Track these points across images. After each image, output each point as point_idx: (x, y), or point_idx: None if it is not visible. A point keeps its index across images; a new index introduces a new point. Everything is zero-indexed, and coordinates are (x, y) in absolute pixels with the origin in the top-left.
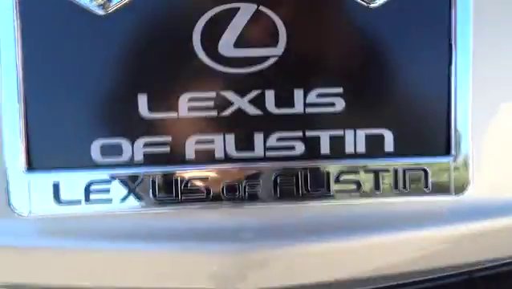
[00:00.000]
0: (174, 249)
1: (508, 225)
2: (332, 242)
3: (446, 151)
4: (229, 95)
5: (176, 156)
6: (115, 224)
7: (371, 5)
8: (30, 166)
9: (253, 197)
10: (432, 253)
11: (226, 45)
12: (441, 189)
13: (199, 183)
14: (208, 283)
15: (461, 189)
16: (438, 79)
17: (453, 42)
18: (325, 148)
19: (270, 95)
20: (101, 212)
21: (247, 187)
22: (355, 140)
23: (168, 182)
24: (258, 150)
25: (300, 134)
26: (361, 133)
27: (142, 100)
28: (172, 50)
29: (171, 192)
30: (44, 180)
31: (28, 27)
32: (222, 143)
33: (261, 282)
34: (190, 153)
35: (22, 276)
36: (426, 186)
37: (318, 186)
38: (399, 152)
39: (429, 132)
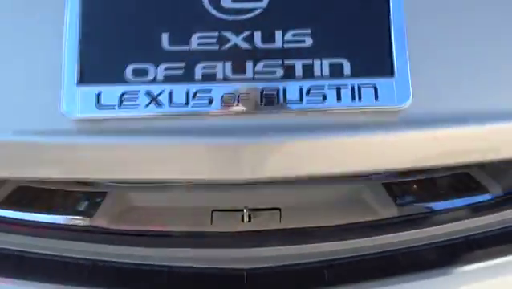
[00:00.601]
0: (184, 142)
1: (441, 135)
2: (304, 140)
3: (390, 72)
4: (228, 34)
5: (187, 77)
6: (140, 125)
7: None
8: (81, 80)
9: (244, 106)
10: (383, 152)
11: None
12: (388, 101)
13: (204, 95)
14: (205, 172)
15: (403, 101)
16: (381, 21)
17: None
18: (299, 72)
19: (257, 35)
20: (130, 114)
21: (240, 99)
22: (321, 66)
23: (181, 94)
24: (249, 73)
25: (280, 62)
26: (325, 62)
27: (165, 37)
28: (187, 3)
29: (182, 100)
30: (90, 90)
31: None
32: (222, 68)
33: (251, 171)
34: (198, 75)
35: (70, 171)
36: (376, 99)
37: (293, 98)
38: (355, 75)
39: (377, 59)
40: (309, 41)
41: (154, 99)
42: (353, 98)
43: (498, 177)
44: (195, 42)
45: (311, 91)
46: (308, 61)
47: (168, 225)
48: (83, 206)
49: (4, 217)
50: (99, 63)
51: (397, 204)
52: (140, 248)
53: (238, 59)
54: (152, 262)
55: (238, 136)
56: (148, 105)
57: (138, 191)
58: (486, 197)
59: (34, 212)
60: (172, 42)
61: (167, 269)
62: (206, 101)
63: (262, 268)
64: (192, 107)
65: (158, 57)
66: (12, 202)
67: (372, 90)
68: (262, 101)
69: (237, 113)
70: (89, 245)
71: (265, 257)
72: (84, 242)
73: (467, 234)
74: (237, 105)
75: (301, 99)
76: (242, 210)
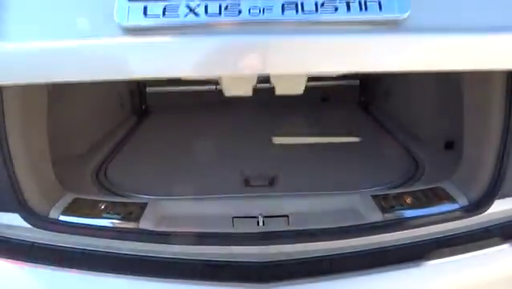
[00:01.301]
0: (215, 43)
1: (434, 41)
2: (318, 40)
3: None
4: None
5: None
6: (179, 30)
7: None
8: None
9: (268, 16)
10: (385, 54)
11: None
12: (390, 11)
13: (234, 7)
14: (234, 66)
15: (403, 12)
16: None
17: None
18: None
19: None
20: (171, 22)
21: (264, 10)
22: None
23: (215, 7)
24: None
25: None
26: None
27: None
28: None
29: (216, 11)
30: (138, 5)
31: None
32: None
33: (275, 65)
34: None
35: (122, 70)
36: (380, 10)
37: (309, 9)
38: None
39: None
40: None
41: (192, 10)
42: (360, 9)
43: (465, 190)
44: None
45: (325, 4)
46: None
47: (199, 228)
48: (130, 214)
49: (66, 222)
50: None
51: (382, 211)
52: (177, 245)
53: None
54: (188, 257)
55: (263, 35)
56: (187, 15)
57: (171, 202)
58: (455, 206)
59: (91, 218)
60: None
61: (202, 262)
62: (236, 12)
63: (274, 261)
64: (224, 16)
65: None
66: (72, 211)
67: (377, 3)
68: (283, 12)
69: (262, 21)
70: (136, 243)
71: (276, 252)
72: (132, 241)
73: (438, 236)
74: (263, 14)
75: (316, 10)
76: (257, 217)
